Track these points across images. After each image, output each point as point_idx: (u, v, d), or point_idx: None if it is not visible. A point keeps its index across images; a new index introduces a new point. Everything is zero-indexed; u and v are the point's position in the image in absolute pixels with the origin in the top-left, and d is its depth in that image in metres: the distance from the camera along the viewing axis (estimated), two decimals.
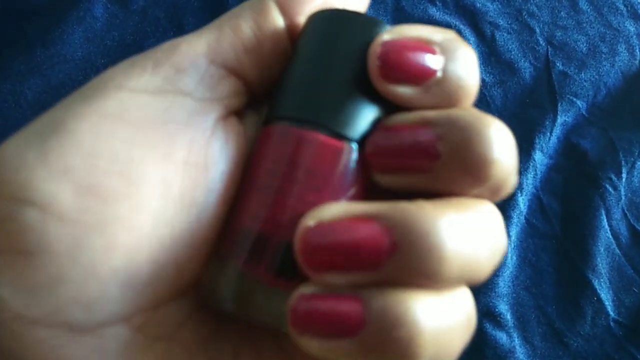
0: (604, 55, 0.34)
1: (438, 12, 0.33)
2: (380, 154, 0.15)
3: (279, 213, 0.15)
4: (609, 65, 0.33)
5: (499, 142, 0.14)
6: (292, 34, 0.17)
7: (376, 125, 0.15)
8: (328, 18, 0.16)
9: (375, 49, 0.15)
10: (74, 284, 0.14)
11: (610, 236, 0.31)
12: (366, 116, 0.15)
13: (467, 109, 0.15)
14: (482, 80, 0.33)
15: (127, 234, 0.15)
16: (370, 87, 0.15)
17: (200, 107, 0.16)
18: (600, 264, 0.30)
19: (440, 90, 0.15)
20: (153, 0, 0.31)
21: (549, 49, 0.33)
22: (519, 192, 0.31)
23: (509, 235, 0.30)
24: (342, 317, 0.13)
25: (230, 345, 0.17)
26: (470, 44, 0.33)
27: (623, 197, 0.31)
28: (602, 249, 0.30)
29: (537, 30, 0.34)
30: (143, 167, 0.15)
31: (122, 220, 0.15)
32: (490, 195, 0.15)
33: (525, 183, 0.31)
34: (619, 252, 0.30)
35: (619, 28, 0.34)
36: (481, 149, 0.14)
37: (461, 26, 0.33)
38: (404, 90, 0.15)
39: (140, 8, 0.31)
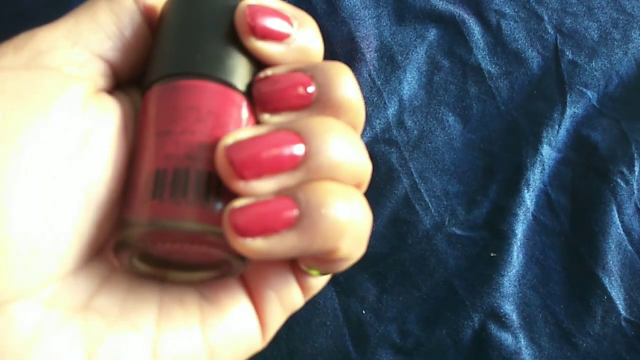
0: (616, 43, 0.32)
1: (441, 2, 0.32)
2: (266, 97, 0.17)
3: (193, 148, 0.16)
4: (621, 52, 0.32)
5: (353, 81, 0.18)
6: (148, 18, 0.19)
7: (253, 77, 0.18)
8: None
9: (244, 9, 0.17)
10: None
11: (622, 232, 0.29)
12: (244, 70, 0.18)
13: (325, 61, 0.19)
14: (488, 72, 0.31)
15: (19, 199, 0.15)
16: (241, 48, 0.18)
17: (71, 79, 0.17)
18: (611, 262, 0.29)
19: (297, 48, 0.18)
20: None
21: (558, 37, 0.32)
22: (525, 187, 0.30)
23: (514, 233, 0.29)
24: (278, 213, 0.16)
25: (151, 307, 0.17)
26: (475, 34, 0.32)
27: (635, 192, 0.30)
28: (613, 246, 0.29)
29: (546, 18, 0.32)
30: (25, 133, 0.15)
31: (10, 186, 0.15)
32: (352, 127, 0.18)
33: (532, 179, 0.30)
34: (631, 248, 0.29)
35: (633, 12, 0.33)
36: (342, 85, 0.18)
37: (465, 15, 0.32)
38: (270, 47, 0.18)
39: None
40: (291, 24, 0.18)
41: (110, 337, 0.16)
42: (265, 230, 0.15)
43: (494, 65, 0.32)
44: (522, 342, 0.28)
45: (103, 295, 0.17)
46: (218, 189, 0.16)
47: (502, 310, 0.28)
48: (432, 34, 0.32)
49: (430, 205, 0.29)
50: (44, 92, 0.16)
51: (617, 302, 0.28)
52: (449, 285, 0.28)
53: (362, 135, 0.30)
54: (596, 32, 0.32)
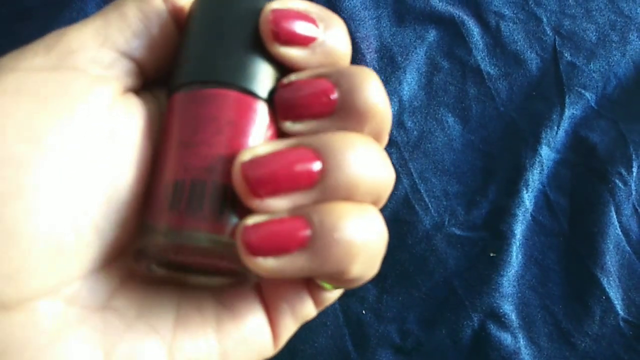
0: (614, 44, 0.32)
1: (440, 3, 0.32)
2: (288, 105, 0.17)
3: (210, 161, 0.16)
4: (619, 54, 0.32)
5: (379, 89, 0.17)
6: (176, 18, 0.19)
7: (276, 83, 0.17)
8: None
9: (268, 15, 0.17)
10: None
11: (620, 233, 0.30)
12: (269, 76, 0.17)
13: (350, 65, 0.18)
14: (487, 73, 0.32)
15: (44, 199, 0.15)
16: (265, 53, 0.17)
17: (97, 81, 0.17)
18: (609, 262, 0.29)
19: (323, 52, 0.18)
20: None
21: (557, 39, 0.32)
22: (524, 188, 0.30)
23: (514, 234, 0.29)
24: (291, 233, 0.15)
25: (169, 310, 0.18)
26: (474, 35, 0.32)
27: (633, 193, 0.30)
28: (611, 247, 0.29)
29: (544, 20, 0.32)
30: (49, 134, 0.15)
31: (38, 185, 0.15)
32: (376, 137, 0.18)
33: (531, 179, 0.30)
34: (629, 249, 0.30)
35: (630, 15, 0.33)
36: (367, 92, 0.17)
37: (464, 17, 0.32)
38: (294, 52, 0.17)
39: None
40: (317, 26, 0.18)
41: (128, 337, 0.16)
42: (277, 250, 0.15)
43: (493, 67, 0.32)
44: (521, 342, 0.28)
45: (122, 295, 0.17)
46: (233, 203, 0.16)
47: (501, 310, 0.28)
48: (431, 35, 0.32)
49: (430, 206, 0.29)
50: (69, 95, 0.16)
51: (616, 302, 0.29)
52: (448, 285, 0.28)
53: None
54: (594, 34, 0.32)
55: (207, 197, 0.16)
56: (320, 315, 0.28)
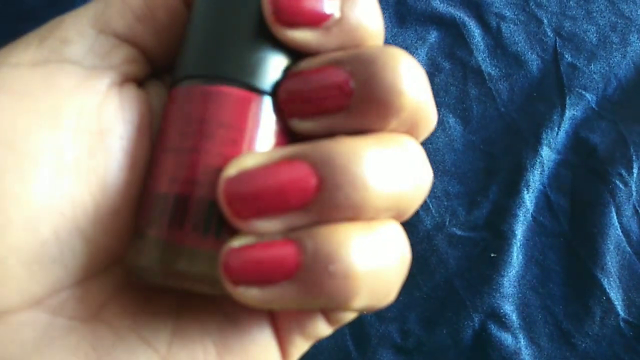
0: (614, 46, 0.32)
1: (442, 4, 0.32)
2: (294, 99, 0.15)
3: (196, 171, 0.14)
4: (620, 56, 0.32)
5: (407, 73, 0.14)
6: None
7: (285, 73, 0.15)
8: None
9: None
10: None
11: (621, 234, 0.30)
12: (273, 66, 0.15)
13: (374, 46, 0.15)
14: (488, 74, 0.32)
15: (21, 207, 0.14)
16: (271, 40, 0.15)
17: (90, 73, 0.15)
18: (609, 263, 0.29)
19: (341, 30, 0.15)
20: None
21: (557, 40, 0.32)
22: (525, 189, 0.30)
23: (514, 234, 0.29)
24: (278, 261, 0.13)
25: (166, 321, 0.16)
26: (475, 36, 0.32)
27: (634, 194, 0.30)
28: (611, 247, 0.29)
29: (545, 21, 0.33)
30: (30, 136, 0.14)
31: (12, 193, 0.14)
32: (409, 130, 0.15)
33: (532, 180, 0.30)
34: (629, 250, 0.30)
35: (631, 16, 0.33)
36: (389, 80, 0.14)
37: (465, 18, 0.32)
38: (303, 35, 0.14)
39: None
40: (331, 0, 0.15)
41: (118, 350, 0.15)
42: (260, 279, 0.13)
43: (494, 68, 0.32)
44: (522, 342, 0.28)
45: (115, 305, 0.16)
46: (221, 221, 0.14)
47: (502, 311, 0.28)
48: (433, 36, 0.32)
49: (431, 206, 0.29)
50: (54, 92, 0.15)
51: (616, 302, 0.29)
52: (449, 285, 0.28)
53: None
54: (595, 35, 0.33)
55: (190, 214, 0.14)
56: None
